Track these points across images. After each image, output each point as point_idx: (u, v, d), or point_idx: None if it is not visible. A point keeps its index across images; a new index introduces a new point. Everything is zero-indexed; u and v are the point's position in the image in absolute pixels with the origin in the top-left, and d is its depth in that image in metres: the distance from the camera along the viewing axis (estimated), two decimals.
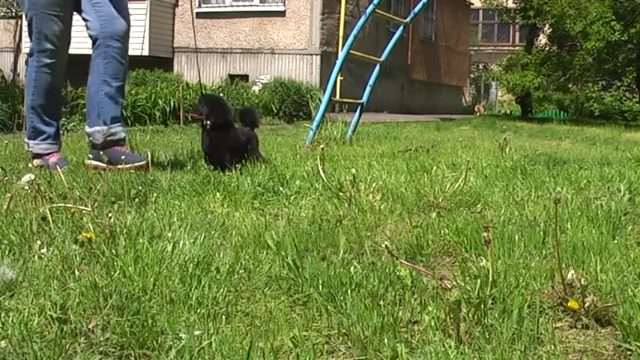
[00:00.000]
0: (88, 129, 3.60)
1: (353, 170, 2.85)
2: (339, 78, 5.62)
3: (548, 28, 16.17)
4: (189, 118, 3.65)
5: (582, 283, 1.45)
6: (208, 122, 3.43)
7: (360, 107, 6.00)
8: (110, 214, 1.99)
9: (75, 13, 3.66)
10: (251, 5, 14.28)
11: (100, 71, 3.51)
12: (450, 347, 1.24)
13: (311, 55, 13.83)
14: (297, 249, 1.87)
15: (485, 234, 1.42)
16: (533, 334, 1.32)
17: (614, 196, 2.77)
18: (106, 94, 3.50)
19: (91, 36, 3.56)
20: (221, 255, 1.82)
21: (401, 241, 2.02)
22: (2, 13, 17.90)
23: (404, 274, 1.60)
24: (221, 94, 9.63)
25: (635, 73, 17.01)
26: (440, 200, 2.64)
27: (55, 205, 2.20)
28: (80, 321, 1.33)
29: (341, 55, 5.61)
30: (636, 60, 16.17)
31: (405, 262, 1.60)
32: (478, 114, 22.12)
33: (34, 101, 3.59)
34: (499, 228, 2.12)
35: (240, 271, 1.69)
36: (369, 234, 2.13)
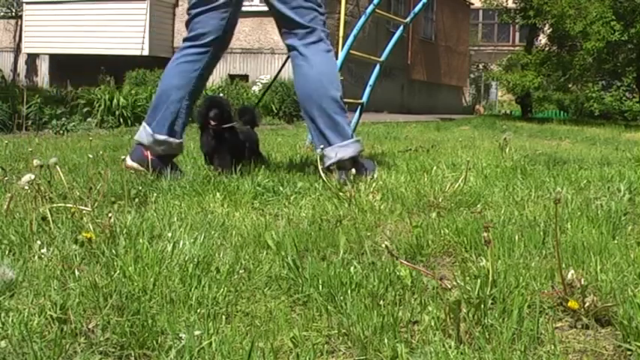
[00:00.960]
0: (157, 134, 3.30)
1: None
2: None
3: (548, 28, 16.17)
4: (211, 130, 3.44)
5: (582, 283, 1.45)
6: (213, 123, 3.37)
7: (360, 107, 6.00)
8: (110, 214, 1.99)
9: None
10: (251, 5, 14.28)
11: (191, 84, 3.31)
12: (450, 347, 1.24)
13: None
14: (297, 249, 1.87)
15: (485, 234, 1.42)
16: (533, 334, 1.32)
17: (614, 196, 2.77)
18: (187, 106, 3.30)
19: None
20: (221, 255, 1.82)
21: (401, 241, 2.02)
22: (2, 13, 17.91)
23: (404, 274, 1.61)
24: (221, 94, 9.62)
25: (635, 73, 17.01)
26: (440, 200, 2.64)
27: (55, 205, 2.20)
28: (80, 321, 1.33)
29: (341, 55, 5.61)
30: (636, 60, 16.17)
31: (405, 262, 1.61)
32: (477, 114, 22.12)
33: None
34: (499, 228, 2.12)
35: (240, 271, 1.69)
36: (369, 234, 2.13)
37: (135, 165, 3.22)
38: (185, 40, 3.33)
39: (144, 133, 3.26)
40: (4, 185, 2.77)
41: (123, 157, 3.32)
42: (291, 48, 3.29)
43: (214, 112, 3.34)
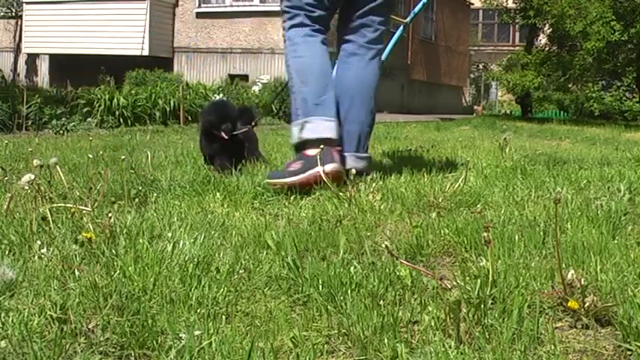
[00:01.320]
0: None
1: (353, 170, 2.85)
2: None
3: (548, 28, 16.16)
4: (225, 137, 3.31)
5: (582, 283, 1.45)
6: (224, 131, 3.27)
7: None
8: (110, 214, 1.99)
9: None
10: (251, 5, 14.28)
11: None
12: (450, 347, 1.24)
13: None
14: (297, 249, 1.87)
15: (485, 234, 1.42)
16: (533, 334, 1.32)
17: (614, 196, 2.77)
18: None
19: None
20: (221, 255, 1.82)
21: (401, 241, 2.02)
22: (2, 13, 17.92)
23: (404, 274, 1.61)
24: (219, 96, 9.62)
25: (635, 73, 17.01)
26: (440, 200, 2.64)
27: (55, 205, 2.20)
28: (80, 321, 1.33)
29: None
30: (636, 60, 16.17)
31: (405, 262, 1.61)
32: (477, 114, 22.12)
33: None
34: (499, 228, 2.12)
35: (240, 271, 1.69)
36: (369, 234, 2.13)
37: (339, 168, 2.86)
38: (319, 32, 3.22)
39: (330, 126, 2.97)
40: (4, 185, 2.77)
41: (293, 175, 2.78)
42: (348, 42, 3.26)
43: (227, 126, 3.29)
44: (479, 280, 1.43)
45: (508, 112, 24.38)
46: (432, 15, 20.43)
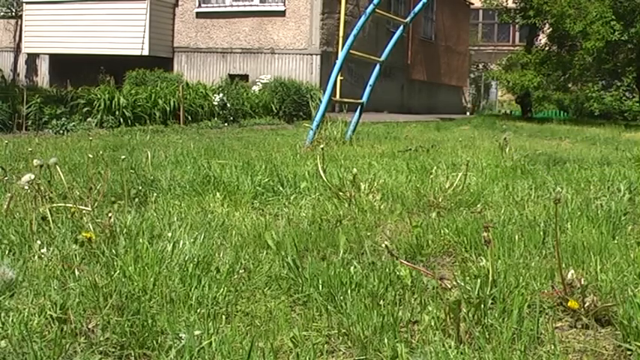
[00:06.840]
0: None
1: (354, 170, 2.85)
2: (339, 78, 5.61)
3: (548, 28, 16.15)
4: None
5: (582, 283, 1.45)
6: None
7: (360, 107, 6.00)
8: (110, 214, 1.99)
9: None
10: (251, 5, 14.27)
11: None
12: (450, 347, 1.24)
13: (311, 54, 13.82)
14: (297, 249, 1.87)
15: (485, 234, 1.42)
16: (533, 334, 1.32)
17: (614, 196, 2.77)
18: None
19: None
20: (221, 255, 1.82)
21: (401, 241, 2.02)
22: (2, 13, 17.91)
23: (404, 274, 1.61)
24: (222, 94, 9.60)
25: (635, 72, 17.01)
26: (440, 200, 2.64)
27: (55, 205, 2.20)
28: (80, 321, 1.33)
29: (341, 55, 5.60)
30: (636, 60, 16.17)
31: (405, 262, 1.61)
32: (468, 113, 22.13)
33: None
34: (499, 228, 2.12)
35: (240, 271, 1.70)
36: (369, 234, 2.13)
37: None
38: None
39: None
40: (4, 185, 2.77)
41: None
42: None
43: None
44: (479, 280, 1.43)
45: (508, 111, 24.35)
46: (432, 15, 20.41)
